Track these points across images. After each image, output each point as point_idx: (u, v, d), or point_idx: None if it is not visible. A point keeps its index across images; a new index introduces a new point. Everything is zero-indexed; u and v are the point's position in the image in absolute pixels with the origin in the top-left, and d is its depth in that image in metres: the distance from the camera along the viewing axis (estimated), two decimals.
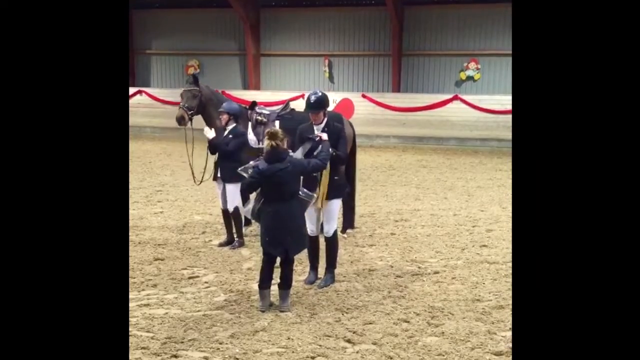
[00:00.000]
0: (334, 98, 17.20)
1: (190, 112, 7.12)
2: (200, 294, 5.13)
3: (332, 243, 5.34)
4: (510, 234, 6.25)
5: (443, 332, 4.37)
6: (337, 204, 5.33)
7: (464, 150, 15.21)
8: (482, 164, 13.04)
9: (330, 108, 7.70)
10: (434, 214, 8.19)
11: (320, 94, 5.20)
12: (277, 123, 6.75)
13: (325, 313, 4.70)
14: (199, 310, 4.75)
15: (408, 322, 4.56)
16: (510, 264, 5.70)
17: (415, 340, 4.25)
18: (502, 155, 13.69)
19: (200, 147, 7.16)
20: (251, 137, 6.87)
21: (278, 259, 4.83)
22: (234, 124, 6.31)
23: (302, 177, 4.85)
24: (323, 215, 5.30)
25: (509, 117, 13.93)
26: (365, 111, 17.33)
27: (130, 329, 4.33)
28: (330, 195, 5.15)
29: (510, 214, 7.18)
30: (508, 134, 13.99)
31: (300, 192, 4.81)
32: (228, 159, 6.21)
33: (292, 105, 7.38)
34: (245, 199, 6.83)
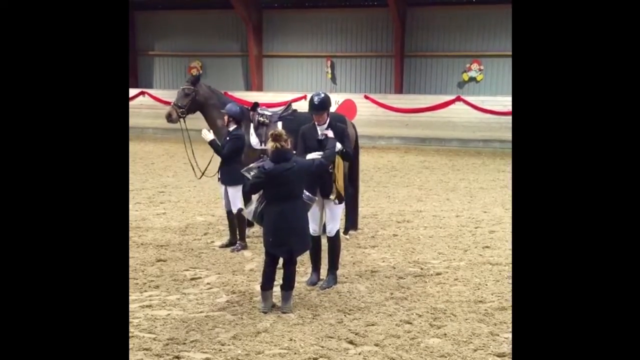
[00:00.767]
0: (337, 99, 17.19)
1: (180, 110, 7.14)
2: (202, 295, 5.13)
3: (335, 244, 5.34)
4: None
5: (445, 334, 4.37)
6: (339, 204, 5.33)
7: (466, 151, 15.20)
8: (485, 165, 13.02)
9: (333, 109, 7.69)
10: (437, 215, 8.18)
11: (323, 95, 5.20)
12: (279, 124, 6.74)
13: (327, 314, 4.70)
14: (201, 312, 4.75)
15: (410, 323, 4.55)
16: None
17: (417, 341, 4.24)
18: (505, 157, 13.67)
19: (203, 147, 7.16)
20: (253, 138, 6.87)
21: (280, 260, 4.83)
22: (235, 126, 6.29)
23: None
24: (325, 215, 5.30)
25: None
26: (368, 112, 17.33)
27: (132, 330, 4.34)
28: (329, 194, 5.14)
29: None
30: (510, 135, 13.94)
31: (303, 195, 4.81)
32: (226, 162, 6.22)
33: (295, 106, 7.38)
34: (247, 200, 6.85)
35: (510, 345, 4.10)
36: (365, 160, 12.49)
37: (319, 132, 5.07)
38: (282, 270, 4.80)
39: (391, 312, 4.75)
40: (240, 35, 19.88)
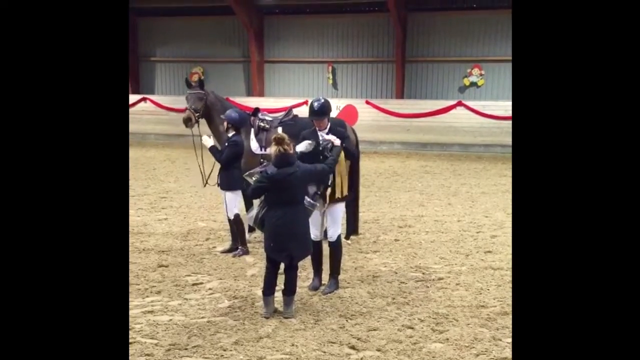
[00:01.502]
0: (338, 104, 17.23)
1: (197, 114, 7.11)
2: (204, 300, 5.13)
3: (336, 248, 5.34)
4: None
5: (447, 339, 4.36)
6: (341, 208, 5.33)
7: (467, 156, 15.20)
8: (486, 169, 13.02)
9: (334, 114, 7.71)
10: (438, 220, 8.18)
11: (323, 100, 5.22)
12: (279, 129, 6.75)
13: (329, 319, 4.69)
14: (203, 317, 4.75)
15: (412, 328, 4.55)
16: None
17: (419, 346, 4.24)
18: (506, 161, 13.66)
19: (208, 153, 7.17)
20: (254, 143, 6.88)
21: (282, 266, 4.83)
22: (234, 132, 6.29)
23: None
24: (327, 220, 5.30)
25: None
26: (369, 117, 17.35)
27: (134, 336, 4.34)
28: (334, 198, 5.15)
29: None
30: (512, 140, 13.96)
31: (304, 201, 4.82)
32: (224, 167, 6.23)
33: (296, 111, 7.39)
34: (249, 205, 6.85)
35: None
36: (367, 165, 12.49)
37: (321, 138, 5.07)
38: (283, 276, 4.80)
39: (393, 317, 4.75)
40: (241, 41, 19.94)
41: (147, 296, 5.21)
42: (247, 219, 6.80)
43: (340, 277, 5.49)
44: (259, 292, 4.97)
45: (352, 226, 7.07)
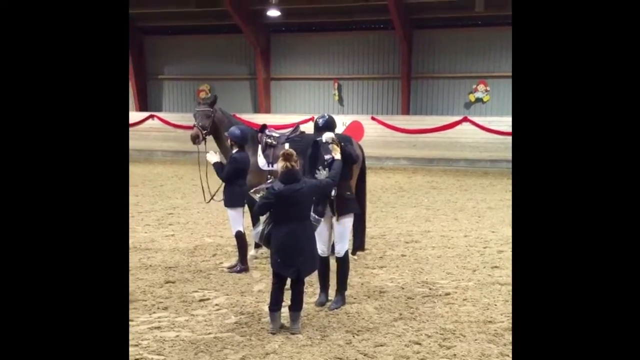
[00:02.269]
0: (344, 121, 17.30)
1: (204, 132, 7.18)
2: (211, 316, 5.13)
3: (344, 264, 5.34)
4: None
5: (455, 355, 4.34)
6: (349, 223, 5.34)
7: (474, 171, 15.19)
8: (492, 185, 13.01)
9: (340, 130, 7.75)
10: (445, 235, 8.17)
11: (327, 117, 5.33)
12: (286, 145, 6.79)
13: (336, 335, 4.68)
14: (209, 333, 4.75)
15: (419, 344, 4.53)
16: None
17: None
18: None
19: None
20: (261, 159, 6.93)
21: (288, 281, 4.83)
22: (237, 149, 6.33)
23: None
24: (334, 236, 5.31)
25: None
26: (375, 133, 17.42)
27: (141, 352, 4.34)
28: (341, 212, 5.16)
29: None
30: None
31: (310, 217, 4.84)
32: (225, 184, 6.25)
33: (302, 127, 7.45)
34: (255, 222, 6.86)
35: None
36: (373, 180, 12.51)
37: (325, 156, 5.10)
38: (290, 291, 4.80)
39: (400, 333, 4.73)
40: (248, 58, 20.13)
41: (154, 312, 5.22)
42: (253, 235, 6.80)
43: (347, 292, 5.49)
44: (266, 308, 4.97)
45: (359, 242, 7.08)
